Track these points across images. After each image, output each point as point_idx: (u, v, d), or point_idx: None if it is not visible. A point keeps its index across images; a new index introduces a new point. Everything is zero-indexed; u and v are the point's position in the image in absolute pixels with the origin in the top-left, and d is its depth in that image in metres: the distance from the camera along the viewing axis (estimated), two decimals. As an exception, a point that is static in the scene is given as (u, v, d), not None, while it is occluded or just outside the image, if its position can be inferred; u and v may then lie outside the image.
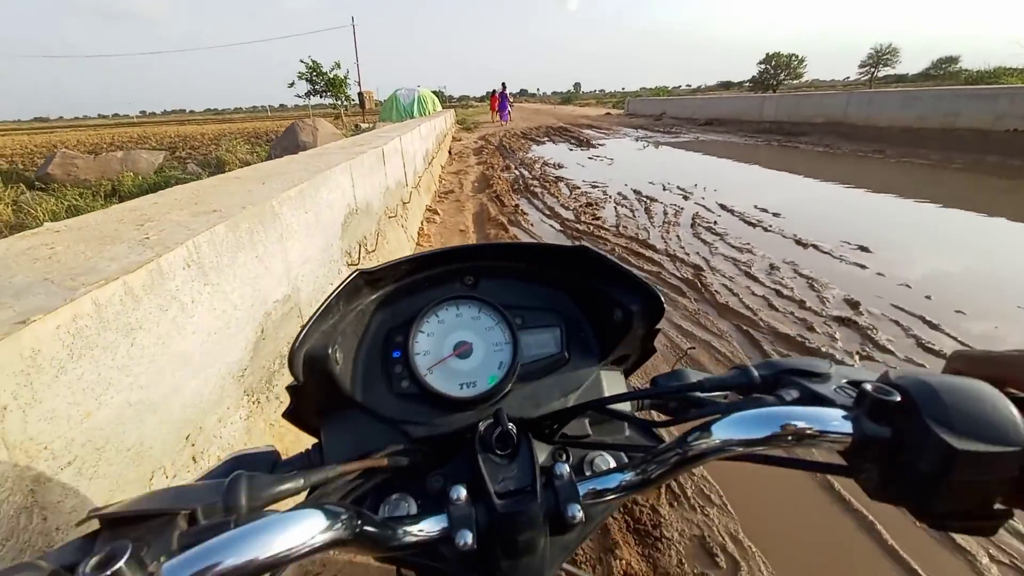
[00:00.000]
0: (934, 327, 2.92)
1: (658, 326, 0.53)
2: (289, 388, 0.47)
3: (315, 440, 0.52)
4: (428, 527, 0.36)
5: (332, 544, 0.30)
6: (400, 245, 3.93)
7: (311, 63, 27.42)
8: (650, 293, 0.52)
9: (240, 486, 0.31)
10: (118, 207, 1.56)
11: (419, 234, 4.91)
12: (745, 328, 2.97)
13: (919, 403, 0.31)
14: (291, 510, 0.30)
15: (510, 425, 0.43)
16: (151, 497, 0.31)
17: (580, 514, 0.36)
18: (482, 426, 0.44)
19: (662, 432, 0.52)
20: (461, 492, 0.37)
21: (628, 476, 0.39)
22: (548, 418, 0.48)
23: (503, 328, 0.55)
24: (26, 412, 0.70)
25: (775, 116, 16.07)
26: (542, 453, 0.47)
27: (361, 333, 0.55)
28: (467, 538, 0.35)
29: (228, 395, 1.27)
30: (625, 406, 0.53)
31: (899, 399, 0.32)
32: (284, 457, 0.47)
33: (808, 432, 0.33)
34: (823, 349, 2.68)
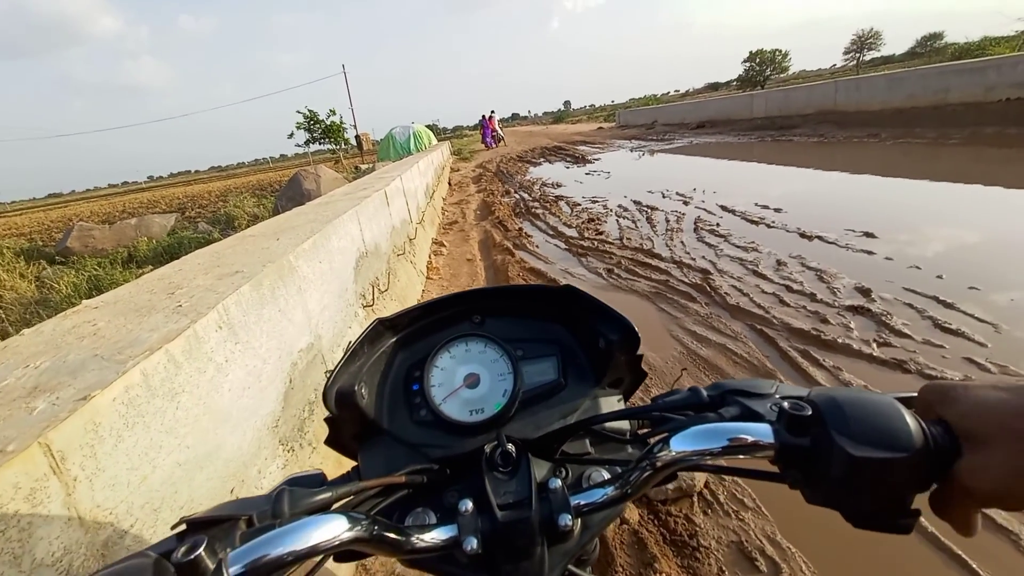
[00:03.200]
0: (949, 306, 2.91)
1: (639, 353, 0.59)
2: (326, 420, 0.56)
3: (355, 463, 0.60)
4: (441, 535, 0.42)
5: (352, 542, 0.37)
6: (411, 281, 4.03)
7: (307, 113, 28.38)
8: (626, 325, 0.58)
9: (284, 497, 0.39)
10: (147, 277, 1.66)
11: (428, 268, 5.01)
12: (759, 327, 2.98)
13: (825, 416, 0.35)
14: (322, 514, 0.37)
15: (510, 446, 0.50)
16: (223, 506, 0.39)
17: (570, 523, 0.42)
18: (488, 447, 0.50)
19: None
20: (468, 504, 0.43)
21: (611, 488, 0.45)
22: (547, 438, 0.54)
23: (506, 360, 0.62)
24: (92, 481, 0.77)
25: (766, 112, 16.19)
26: (542, 470, 0.53)
27: (384, 370, 0.64)
28: (473, 544, 0.41)
29: (265, 446, 1.33)
30: (624, 424, 0.59)
31: (810, 413, 0.37)
32: (330, 479, 0.55)
33: (741, 444, 0.38)
34: (839, 340, 2.68)
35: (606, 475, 0.52)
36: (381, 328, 0.63)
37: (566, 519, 0.42)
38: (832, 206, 5.62)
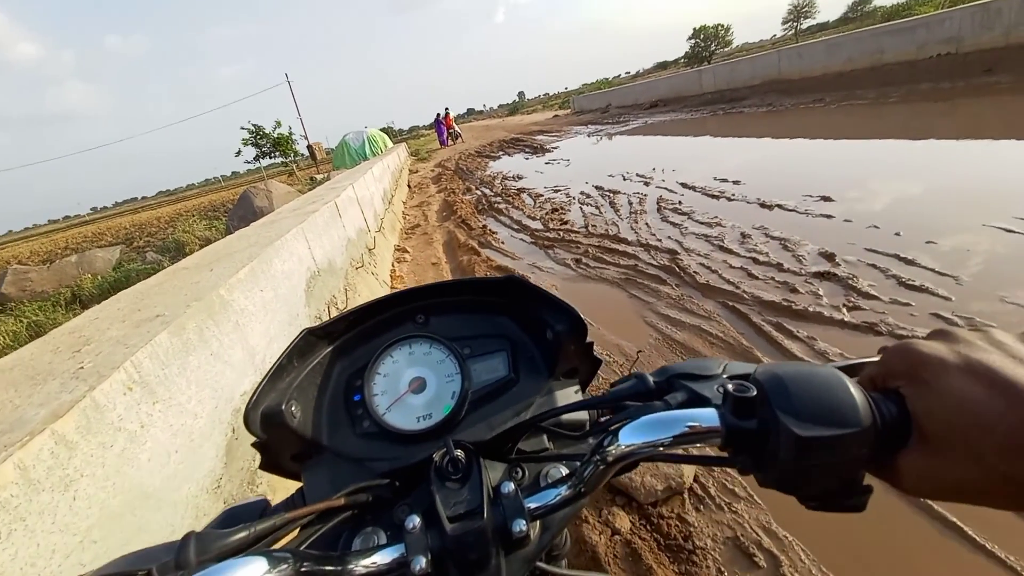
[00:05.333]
0: (910, 263, 2.94)
1: (589, 340, 0.57)
2: (254, 445, 0.50)
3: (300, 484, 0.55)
4: (387, 557, 0.38)
5: None
6: (373, 293, 3.84)
7: (252, 127, 27.25)
8: (572, 313, 0.56)
9: (189, 544, 0.33)
10: (57, 332, 1.46)
11: (392, 276, 4.82)
12: (731, 304, 2.95)
13: (769, 395, 0.33)
14: (236, 558, 0.32)
15: (457, 451, 0.46)
16: (117, 561, 0.35)
17: (525, 527, 0.39)
18: (437, 455, 0.46)
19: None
20: (416, 520, 0.39)
21: (564, 487, 0.42)
22: (501, 438, 0.51)
23: (452, 360, 0.58)
24: (-51, 620, 0.61)
25: (714, 86, 16.46)
26: (498, 472, 0.50)
27: (321, 383, 0.58)
28: (421, 563, 0.37)
29: (204, 513, 1.17)
30: (584, 415, 0.57)
31: (755, 393, 0.34)
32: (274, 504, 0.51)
33: (690, 431, 0.36)
34: (810, 309, 2.67)
35: (564, 471, 0.49)
36: (312, 339, 0.57)
37: (520, 525, 0.39)
38: (788, 173, 5.70)
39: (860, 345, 2.32)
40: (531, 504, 0.41)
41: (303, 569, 0.34)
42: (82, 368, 1.06)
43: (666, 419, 0.38)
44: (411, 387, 0.57)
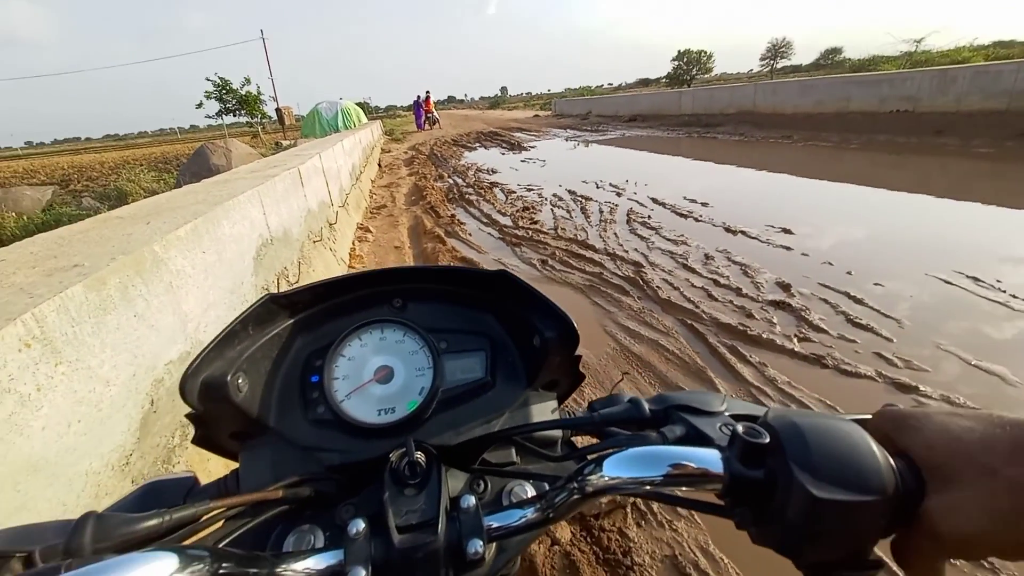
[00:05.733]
0: (858, 301, 3.09)
1: (578, 353, 0.52)
2: (188, 416, 0.45)
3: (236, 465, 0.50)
4: (321, 563, 0.34)
5: None
6: (329, 270, 3.66)
7: (219, 80, 25.68)
8: (565, 321, 0.51)
9: (86, 526, 0.29)
10: (-51, 271, 1.26)
11: (351, 255, 4.63)
12: (689, 322, 3.00)
13: (785, 445, 0.30)
14: (139, 552, 0.26)
15: (418, 454, 0.42)
16: (5, 532, 0.31)
17: (481, 549, 0.35)
18: (394, 455, 0.43)
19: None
20: (360, 525, 0.35)
21: (531, 510, 0.38)
22: (467, 445, 0.46)
23: (426, 352, 0.54)
24: None
25: (692, 109, 16.94)
26: (458, 482, 0.46)
27: (277, 357, 0.53)
28: (360, 575, 0.33)
29: (107, 493, 1.03)
30: (556, 433, 0.53)
31: (768, 441, 0.31)
32: (204, 484, 0.46)
33: (685, 472, 0.33)
34: (764, 336, 2.75)
35: (530, 491, 0.46)
36: (274, 307, 0.52)
37: (476, 545, 0.35)
38: (753, 202, 5.90)
39: (809, 376, 2.40)
40: (491, 523, 0.37)
41: (221, 571, 0.29)
42: (-30, 316, 0.90)
43: (661, 455, 0.34)
44: (376, 376, 0.52)
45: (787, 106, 13.05)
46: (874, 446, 0.30)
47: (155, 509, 0.33)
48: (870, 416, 0.36)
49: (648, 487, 0.34)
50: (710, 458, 0.33)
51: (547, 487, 0.44)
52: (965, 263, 3.50)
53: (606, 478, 0.35)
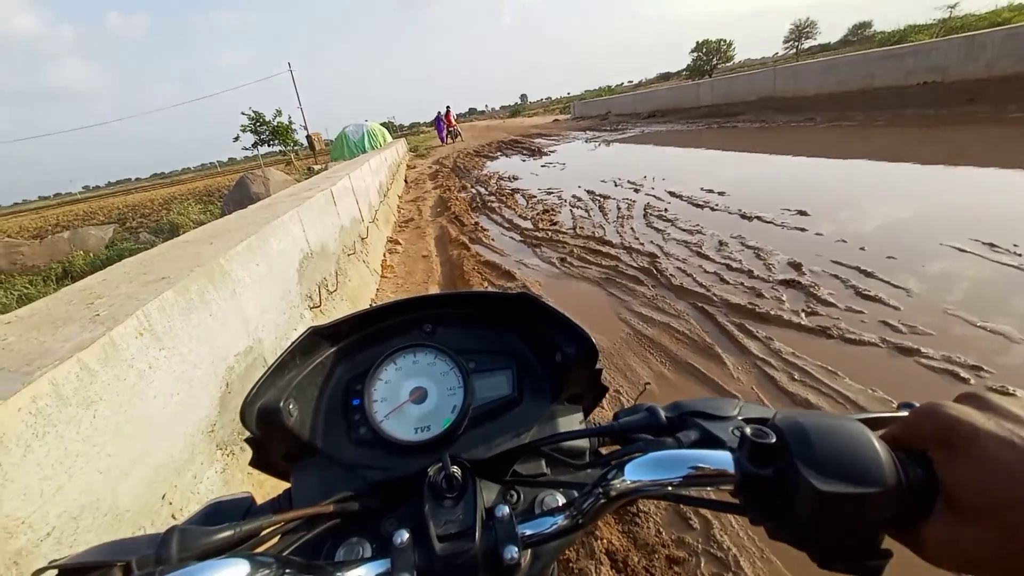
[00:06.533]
0: (869, 275, 3.15)
1: (599, 367, 0.56)
2: (247, 440, 0.50)
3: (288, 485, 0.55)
4: (371, 570, 0.37)
5: None
6: (363, 280, 3.99)
7: (253, 114, 27.27)
8: (585, 338, 0.54)
9: (172, 539, 0.33)
10: (68, 289, 1.59)
11: (382, 266, 4.97)
12: (700, 305, 3.14)
13: (790, 444, 0.32)
14: (218, 559, 0.31)
15: (453, 468, 0.44)
16: (99, 548, 0.35)
17: (517, 555, 0.37)
18: (431, 470, 0.45)
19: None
20: (404, 535, 0.38)
21: (561, 517, 0.40)
22: (498, 458, 0.49)
23: (456, 373, 0.57)
24: (-1, 492, 0.76)
25: (711, 100, 16.77)
26: (492, 493, 0.49)
27: (321, 384, 0.57)
28: None
29: (200, 452, 1.32)
30: (584, 443, 0.55)
31: (774, 440, 0.33)
32: (260, 503, 0.51)
33: (700, 473, 0.35)
34: (772, 312, 2.86)
35: (561, 500, 0.48)
36: (316, 338, 0.57)
37: (512, 552, 0.37)
38: (770, 188, 5.92)
39: (813, 346, 2.51)
40: (525, 531, 0.40)
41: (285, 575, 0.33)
42: (98, 315, 1.20)
43: (677, 458, 0.37)
44: (412, 397, 0.56)
45: (809, 88, 12.78)
46: (875, 442, 0.31)
47: (223, 523, 0.37)
48: (902, 412, 0.36)
49: (667, 488, 0.36)
50: (722, 459, 0.35)
51: (576, 495, 0.46)
52: (983, 231, 3.48)
53: (628, 482, 0.37)
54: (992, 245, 3.24)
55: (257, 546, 0.39)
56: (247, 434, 0.48)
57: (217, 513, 0.47)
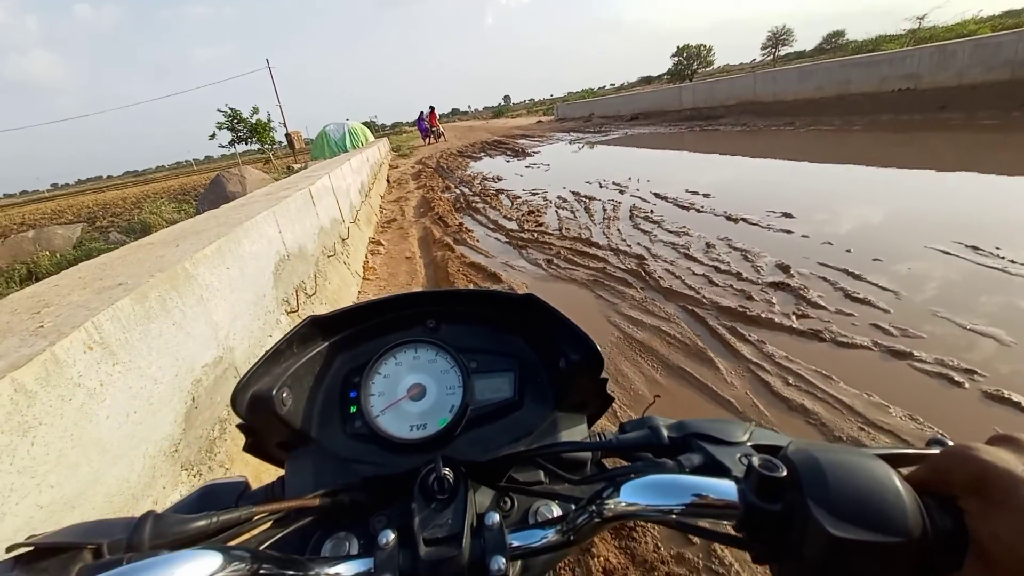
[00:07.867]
0: (856, 277, 3.15)
1: (603, 376, 0.53)
2: (239, 427, 0.49)
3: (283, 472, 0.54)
4: (352, 569, 0.36)
5: None
6: (344, 282, 3.85)
7: (229, 111, 26.60)
8: (590, 345, 0.52)
9: (146, 525, 0.33)
10: (14, 295, 1.45)
11: (364, 268, 4.82)
12: (690, 308, 3.09)
13: (803, 480, 0.29)
14: (189, 550, 0.29)
15: (445, 470, 0.43)
16: (74, 529, 0.33)
17: (503, 567, 0.35)
18: (424, 470, 0.44)
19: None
20: (390, 536, 0.37)
21: (552, 531, 0.38)
22: (493, 463, 0.47)
23: (457, 372, 0.56)
24: (-97, 543, 0.64)
25: (693, 103, 16.96)
26: (485, 499, 0.47)
27: (319, 374, 0.56)
28: None
29: (162, 474, 1.19)
30: (585, 454, 0.53)
31: (784, 474, 0.31)
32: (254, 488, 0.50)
33: (701, 503, 0.33)
34: (763, 315, 2.83)
35: (556, 511, 0.47)
36: (315, 328, 0.55)
37: (499, 563, 0.36)
38: (755, 190, 5.95)
39: (805, 350, 2.48)
40: (514, 541, 0.38)
41: (261, 571, 0.31)
42: (42, 327, 1.07)
43: (677, 483, 0.34)
44: (410, 393, 0.55)
45: (788, 93, 13.01)
46: (899, 484, 0.28)
47: (210, 510, 0.37)
48: (929, 451, 0.34)
49: (663, 515, 0.34)
50: (726, 489, 0.32)
51: (572, 508, 0.44)
52: (965, 234, 3.53)
53: (623, 504, 0.35)
54: (975, 248, 3.28)
55: (240, 535, 0.38)
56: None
57: (210, 495, 0.46)
